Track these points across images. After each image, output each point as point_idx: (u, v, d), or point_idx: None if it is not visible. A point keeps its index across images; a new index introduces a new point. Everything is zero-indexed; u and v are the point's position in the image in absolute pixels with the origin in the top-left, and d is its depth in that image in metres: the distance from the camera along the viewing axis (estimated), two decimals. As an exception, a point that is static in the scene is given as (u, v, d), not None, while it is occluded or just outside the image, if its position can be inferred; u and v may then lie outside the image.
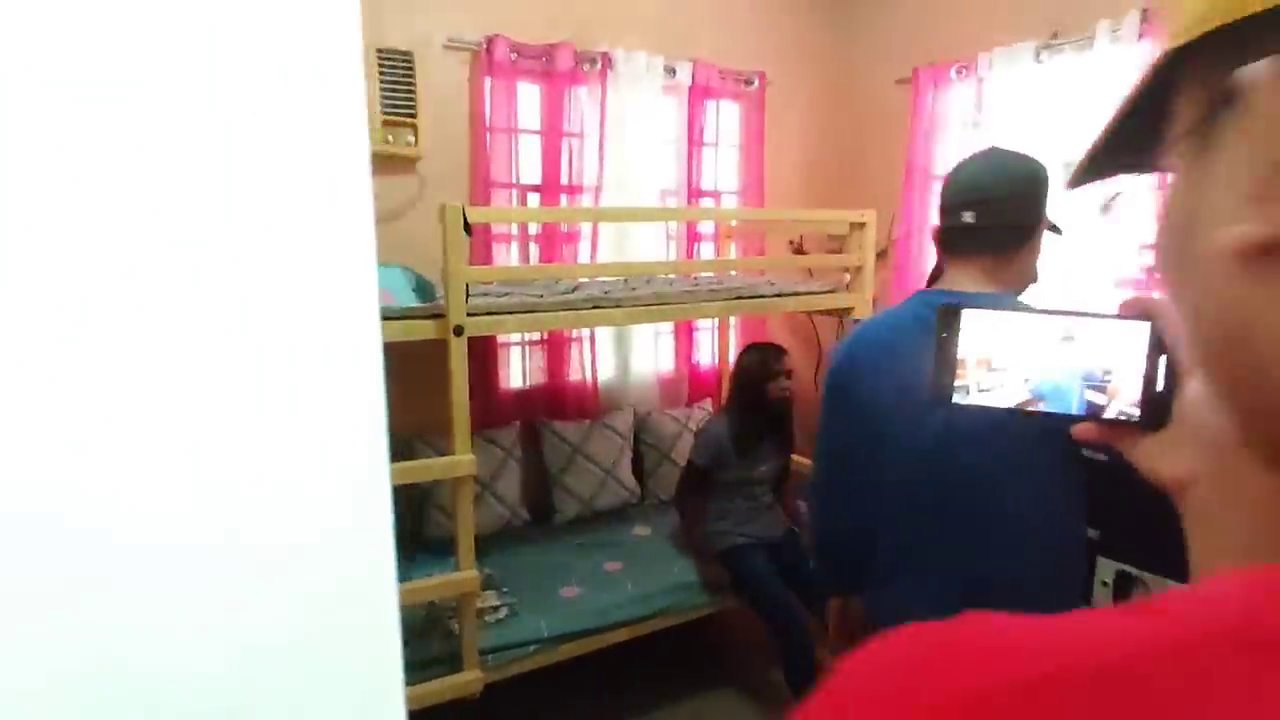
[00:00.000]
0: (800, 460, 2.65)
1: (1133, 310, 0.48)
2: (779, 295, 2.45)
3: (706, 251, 3.25)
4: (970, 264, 1.20)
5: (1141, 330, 0.48)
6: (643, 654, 2.58)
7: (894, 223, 3.06)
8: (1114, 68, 2.45)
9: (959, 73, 2.89)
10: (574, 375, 3.03)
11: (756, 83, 3.20)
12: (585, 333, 3.02)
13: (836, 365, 1.27)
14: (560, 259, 2.86)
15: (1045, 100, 2.64)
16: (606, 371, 3.15)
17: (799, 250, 3.39)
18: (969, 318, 0.54)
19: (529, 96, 2.80)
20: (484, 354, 2.81)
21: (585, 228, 2.90)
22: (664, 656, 2.80)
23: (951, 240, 1.21)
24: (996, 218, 1.18)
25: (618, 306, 2.11)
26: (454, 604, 2.02)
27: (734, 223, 3.23)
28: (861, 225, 2.51)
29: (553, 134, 2.81)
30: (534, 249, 2.89)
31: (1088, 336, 0.51)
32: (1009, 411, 0.53)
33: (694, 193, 3.14)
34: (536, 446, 2.93)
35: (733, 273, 3.14)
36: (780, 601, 2.30)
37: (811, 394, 2.28)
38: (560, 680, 2.32)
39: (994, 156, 1.23)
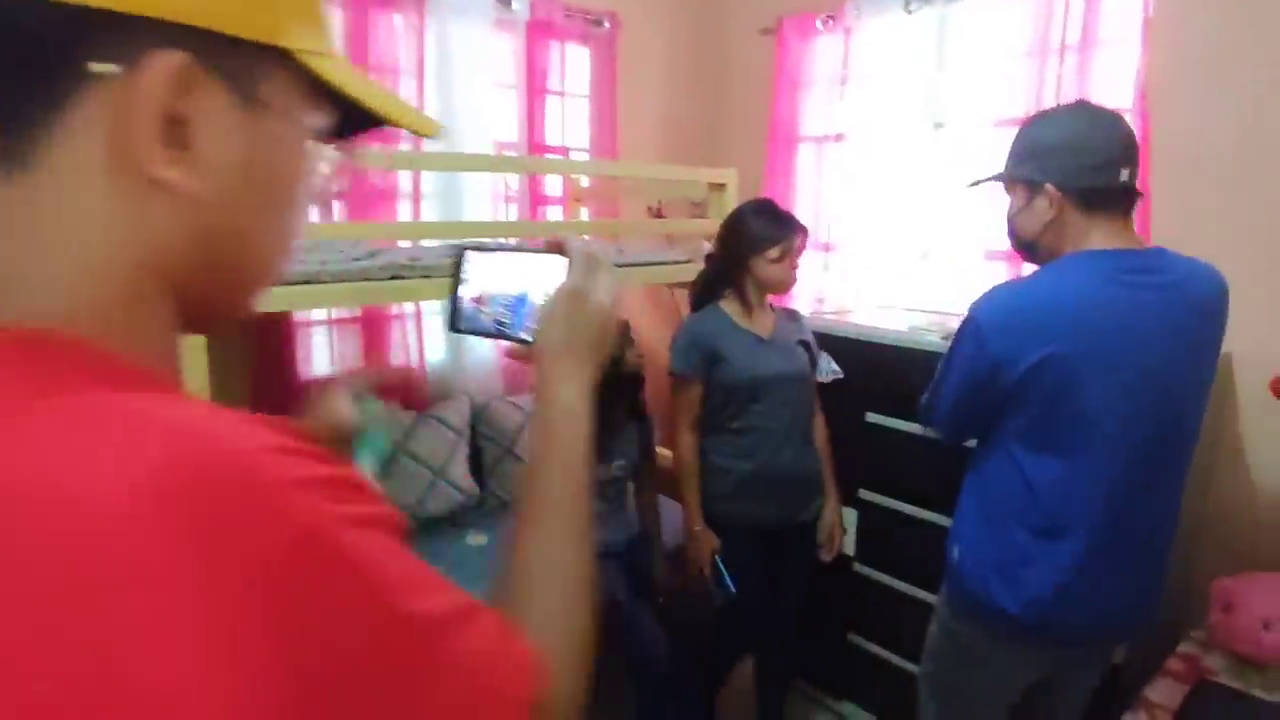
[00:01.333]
0: (663, 454, 2.34)
1: (552, 246, 0.66)
2: (632, 265, 2.11)
3: (553, 218, 2.86)
4: (1117, 223, 1.22)
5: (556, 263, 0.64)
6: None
7: (760, 187, 2.79)
8: (986, 19, 2.27)
9: (825, 23, 2.64)
10: (396, 359, 2.57)
11: (607, 25, 2.81)
12: (409, 309, 2.56)
13: (1008, 327, 1.22)
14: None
15: (915, 54, 2.43)
16: (437, 354, 2.71)
17: (658, 216, 3.08)
18: (473, 257, 0.69)
19: (330, 23, 2.28)
20: (278, 335, 2.30)
21: (404, 183, 2.42)
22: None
23: (1104, 199, 1.21)
24: (1136, 177, 1.22)
25: (426, 278, 1.68)
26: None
27: (585, 183, 2.85)
28: (721, 186, 2.22)
29: (358, 68, 2.30)
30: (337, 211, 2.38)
31: (525, 269, 0.66)
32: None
33: (536, 148, 2.73)
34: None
35: (585, 237, 2.79)
36: (633, 630, 1.97)
37: (667, 375, 1.95)
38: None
39: (1111, 114, 1.24)
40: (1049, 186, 1.23)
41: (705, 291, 1.99)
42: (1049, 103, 2.01)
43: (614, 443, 2.11)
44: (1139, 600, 1.32)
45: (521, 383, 2.93)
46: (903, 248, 2.56)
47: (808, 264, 2.80)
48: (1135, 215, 1.27)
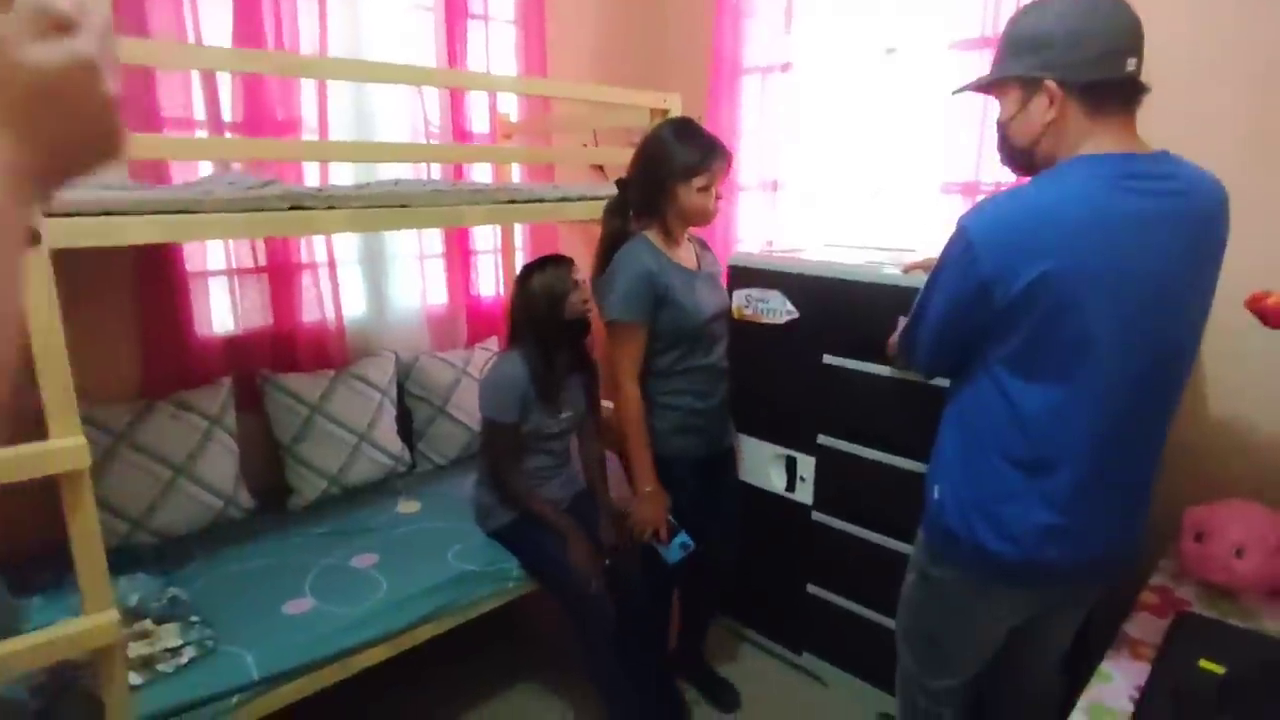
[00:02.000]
0: (607, 406, 2.18)
1: None
2: (565, 200, 1.91)
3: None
4: (1122, 122, 1.11)
5: None
6: (422, 658, 2.03)
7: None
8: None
9: (769, -58, 2.46)
10: (309, 314, 2.31)
11: (534, -59, 2.56)
12: (322, 258, 2.30)
13: (1001, 242, 1.09)
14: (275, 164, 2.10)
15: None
16: (356, 308, 2.46)
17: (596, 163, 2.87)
18: None
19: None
20: (167, 286, 2.01)
21: (309, 112, 2.14)
22: (450, 656, 2.27)
23: (1109, 95, 1.09)
24: (1141, 68, 1.09)
25: (331, 209, 1.46)
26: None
27: (514, 117, 2.62)
28: (665, 114, 2.03)
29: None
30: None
31: None
32: None
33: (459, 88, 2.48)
34: (257, 409, 2.20)
35: (516, 180, 2.57)
36: (578, 586, 1.84)
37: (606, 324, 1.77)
38: (311, 704, 1.71)
39: None
40: (1049, 83, 1.09)
41: (621, 222, 1.81)
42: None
43: (559, 394, 1.94)
44: (1126, 537, 1.24)
45: (453, 337, 2.71)
46: (854, 184, 2.44)
47: (755, 204, 2.68)
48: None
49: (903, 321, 1.56)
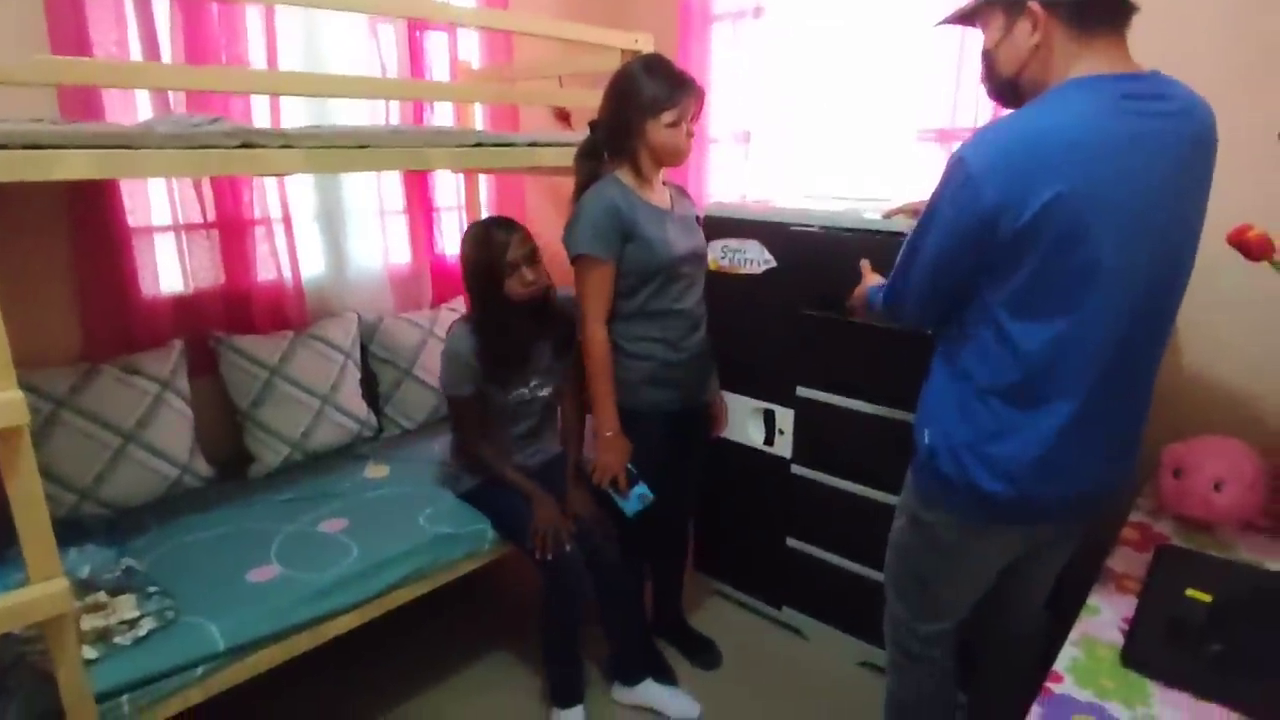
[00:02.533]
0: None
1: None
2: (535, 145, 1.83)
3: (441, 106, 2.50)
4: (1112, 42, 1.06)
5: None
6: (398, 624, 1.97)
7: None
8: None
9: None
10: (264, 273, 2.20)
11: (492, -124, 2.43)
12: (276, 213, 2.18)
13: (1004, 168, 1.02)
14: (224, 103, 1.96)
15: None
16: (314, 267, 2.35)
17: (562, 114, 2.77)
18: None
19: None
20: (107, 240, 1.88)
21: (254, 44, 1.99)
22: (426, 621, 2.22)
23: (1098, 13, 1.04)
24: None
25: (286, 147, 1.35)
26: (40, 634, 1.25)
27: (475, 65, 2.50)
28: (636, 54, 1.95)
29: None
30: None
31: None
32: None
33: (415, 23, 2.35)
34: (212, 373, 2.09)
35: (479, 128, 2.47)
36: (556, 555, 1.77)
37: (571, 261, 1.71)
38: (279, 672, 1.64)
39: None
40: (1032, 4, 1.05)
41: (592, 165, 1.74)
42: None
43: (524, 364, 1.86)
44: (1120, 470, 1.23)
45: (418, 297, 2.62)
46: (829, 133, 2.39)
47: (727, 156, 2.62)
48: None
49: (872, 277, 1.52)
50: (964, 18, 1.19)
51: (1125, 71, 1.06)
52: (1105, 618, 1.21)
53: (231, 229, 2.10)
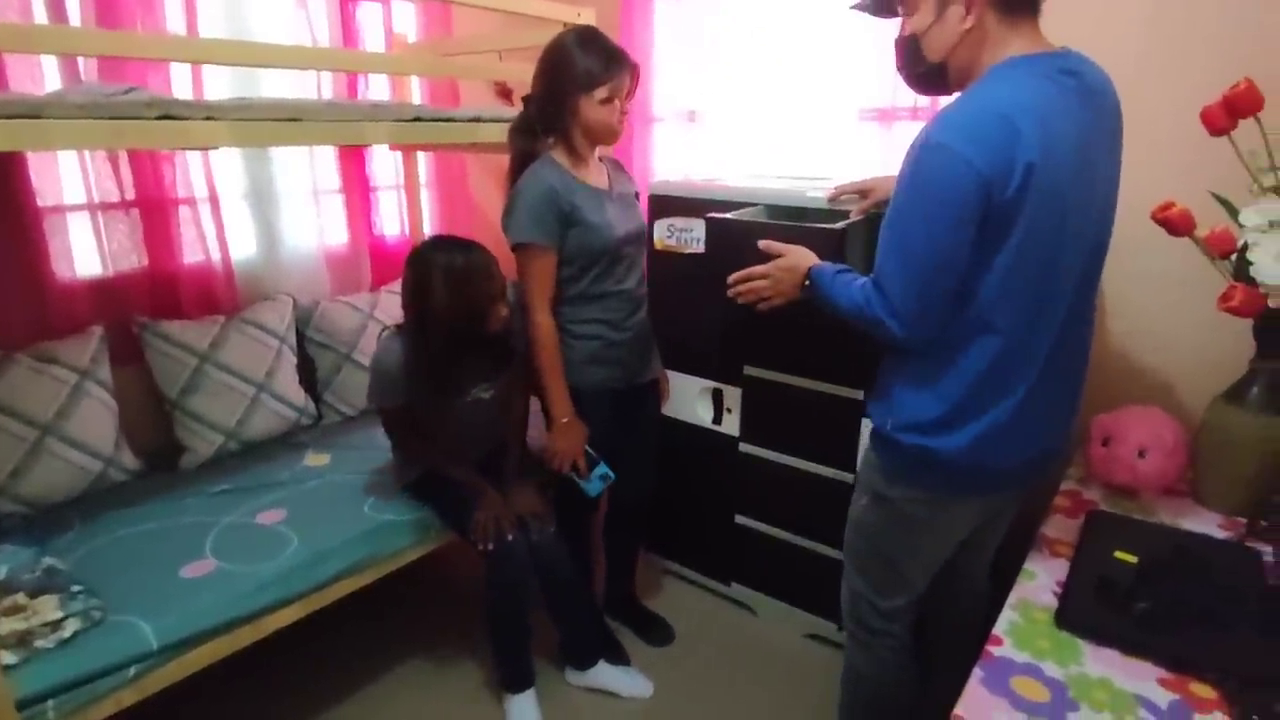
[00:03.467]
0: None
1: None
2: (478, 120, 1.78)
3: (376, 83, 2.42)
4: (1033, 25, 1.10)
5: None
6: (344, 614, 1.93)
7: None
8: None
9: None
10: (191, 255, 2.10)
11: None
12: (202, 192, 2.08)
13: (983, 139, 1.01)
14: (140, 77, 1.85)
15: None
16: (245, 249, 2.25)
17: (503, 90, 2.71)
18: None
19: None
20: (14, 220, 1.76)
21: (173, 13, 1.88)
22: (373, 611, 2.17)
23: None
24: None
25: (210, 119, 1.28)
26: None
27: (411, 38, 2.42)
28: (579, 30, 1.91)
29: None
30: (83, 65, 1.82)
31: None
32: None
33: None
34: (138, 361, 1.99)
35: (417, 102, 2.40)
36: (498, 547, 1.73)
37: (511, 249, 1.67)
38: (220, 668, 1.58)
39: None
40: None
41: (526, 141, 1.68)
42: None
43: (462, 378, 1.80)
44: (1065, 432, 1.28)
45: (357, 280, 2.54)
46: (773, 112, 2.40)
47: (671, 135, 2.60)
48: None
49: (790, 251, 1.42)
50: (883, 6, 1.19)
51: (1048, 51, 1.09)
52: (1040, 582, 1.26)
53: (153, 208, 1.99)
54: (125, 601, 1.44)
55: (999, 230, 1.04)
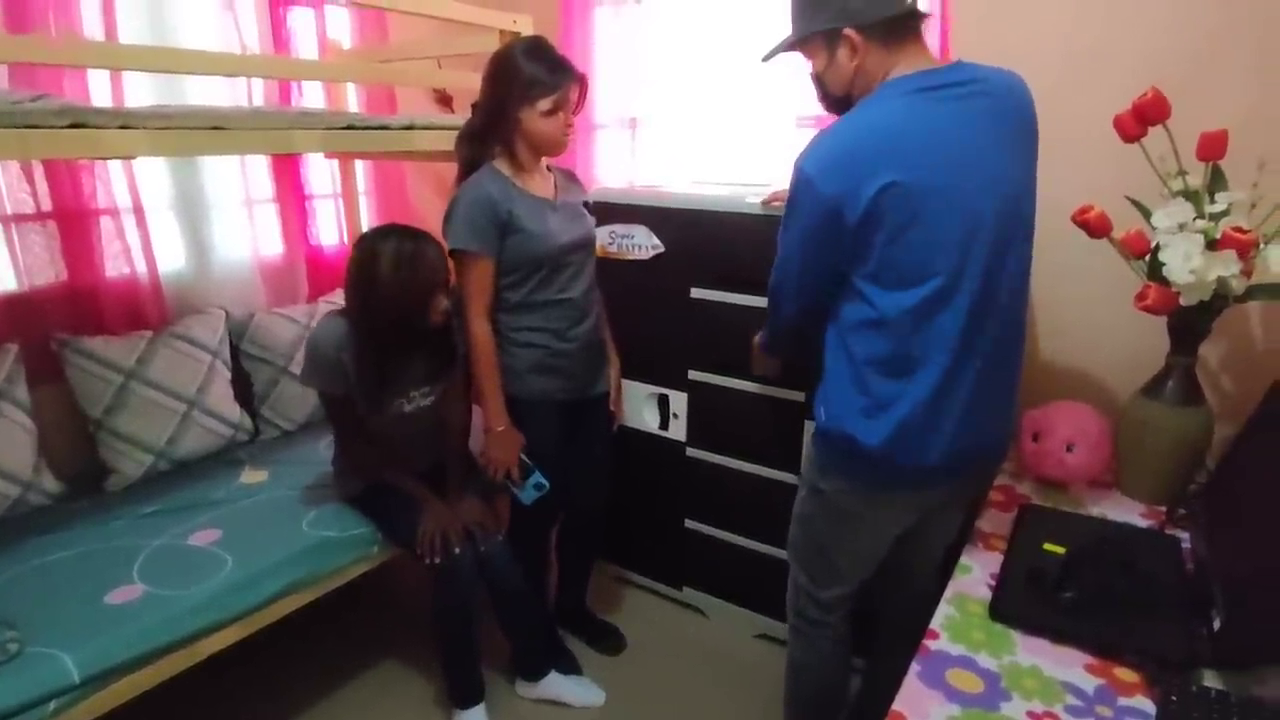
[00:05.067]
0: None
1: None
2: (412, 128, 1.75)
3: (310, 90, 2.36)
4: (916, 48, 1.20)
5: None
6: (285, 634, 1.87)
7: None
8: None
9: None
10: (114, 268, 2.01)
11: None
12: (125, 202, 1.99)
13: (835, 165, 1.15)
14: (55, 84, 1.77)
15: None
16: (174, 261, 2.17)
17: (443, 97, 2.68)
18: None
19: None
20: (-81, 239, 1.67)
21: (90, 17, 1.81)
22: (315, 631, 2.11)
23: (900, 28, 1.18)
24: None
25: (126, 128, 1.23)
26: None
27: (345, 44, 2.37)
28: (515, 36, 1.91)
29: None
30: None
31: None
32: None
33: (276, 2, 2.21)
34: (57, 380, 1.90)
35: (353, 109, 2.35)
36: (445, 559, 1.70)
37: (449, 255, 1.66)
38: (154, 697, 1.52)
39: None
40: (847, 31, 1.17)
41: (473, 149, 1.67)
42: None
43: (403, 377, 1.76)
44: (996, 431, 1.32)
45: (293, 292, 2.47)
46: (711, 120, 2.42)
47: (613, 143, 2.60)
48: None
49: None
50: (789, 47, 1.30)
51: (927, 68, 1.18)
52: (975, 575, 1.30)
53: (72, 220, 1.91)
54: (45, 632, 1.37)
55: (860, 240, 1.16)
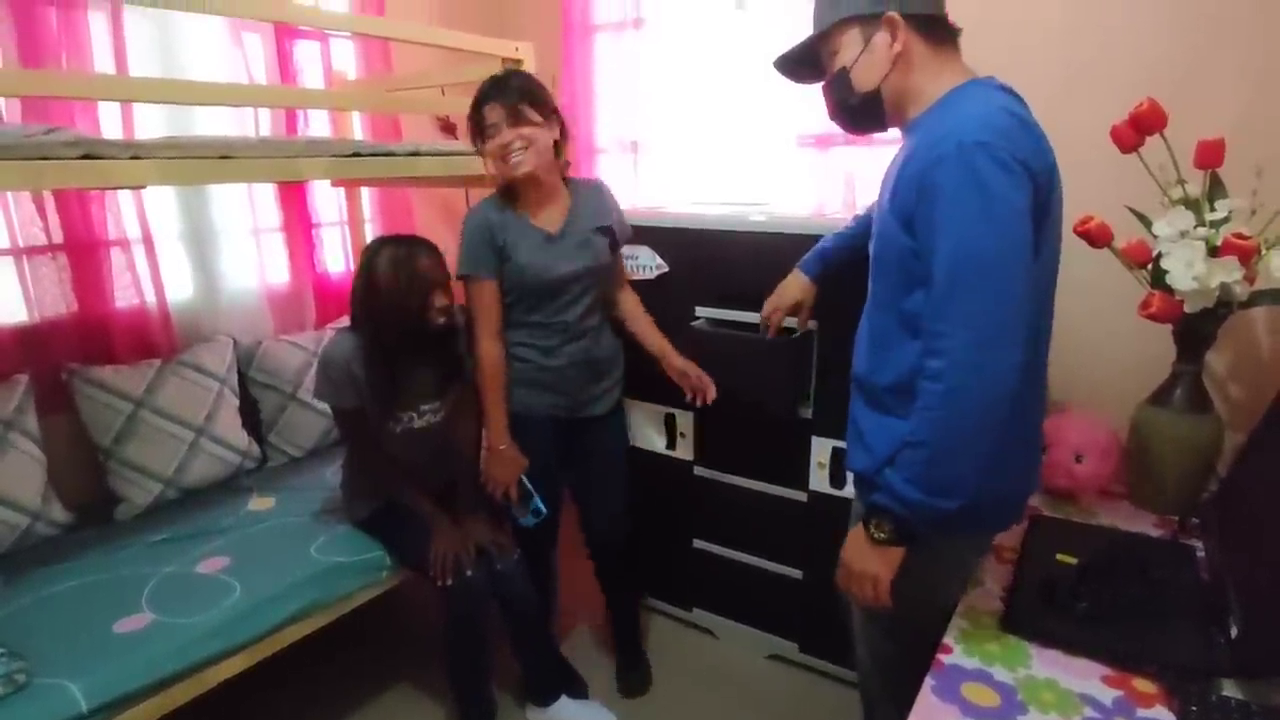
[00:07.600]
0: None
1: None
2: (417, 154, 1.78)
3: (316, 120, 2.39)
4: (959, 57, 1.13)
5: None
6: (294, 661, 1.85)
7: (555, 84, 2.53)
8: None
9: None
10: (123, 299, 2.03)
11: (362, -118, 2.36)
12: (135, 233, 2.02)
13: (1008, 131, 0.98)
14: (67, 117, 1.81)
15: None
16: (183, 290, 2.20)
17: (446, 125, 2.72)
18: None
19: None
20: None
21: (100, 51, 1.84)
22: (325, 657, 2.09)
23: (945, 32, 1.11)
24: None
25: (136, 159, 1.26)
26: None
27: (351, 75, 2.42)
28: (518, 64, 1.94)
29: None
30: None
31: None
32: None
33: (284, 31, 2.25)
34: (67, 410, 1.91)
35: (359, 138, 2.38)
36: (457, 580, 1.69)
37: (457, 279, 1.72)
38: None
39: None
40: (889, 13, 1.06)
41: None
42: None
43: (412, 389, 1.77)
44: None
45: (300, 319, 2.49)
46: (712, 141, 2.45)
47: (615, 166, 2.63)
48: None
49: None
50: (820, 36, 1.16)
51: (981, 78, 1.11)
52: (988, 588, 1.28)
53: (82, 252, 1.93)
54: (53, 662, 1.37)
55: (1036, 229, 1.00)
